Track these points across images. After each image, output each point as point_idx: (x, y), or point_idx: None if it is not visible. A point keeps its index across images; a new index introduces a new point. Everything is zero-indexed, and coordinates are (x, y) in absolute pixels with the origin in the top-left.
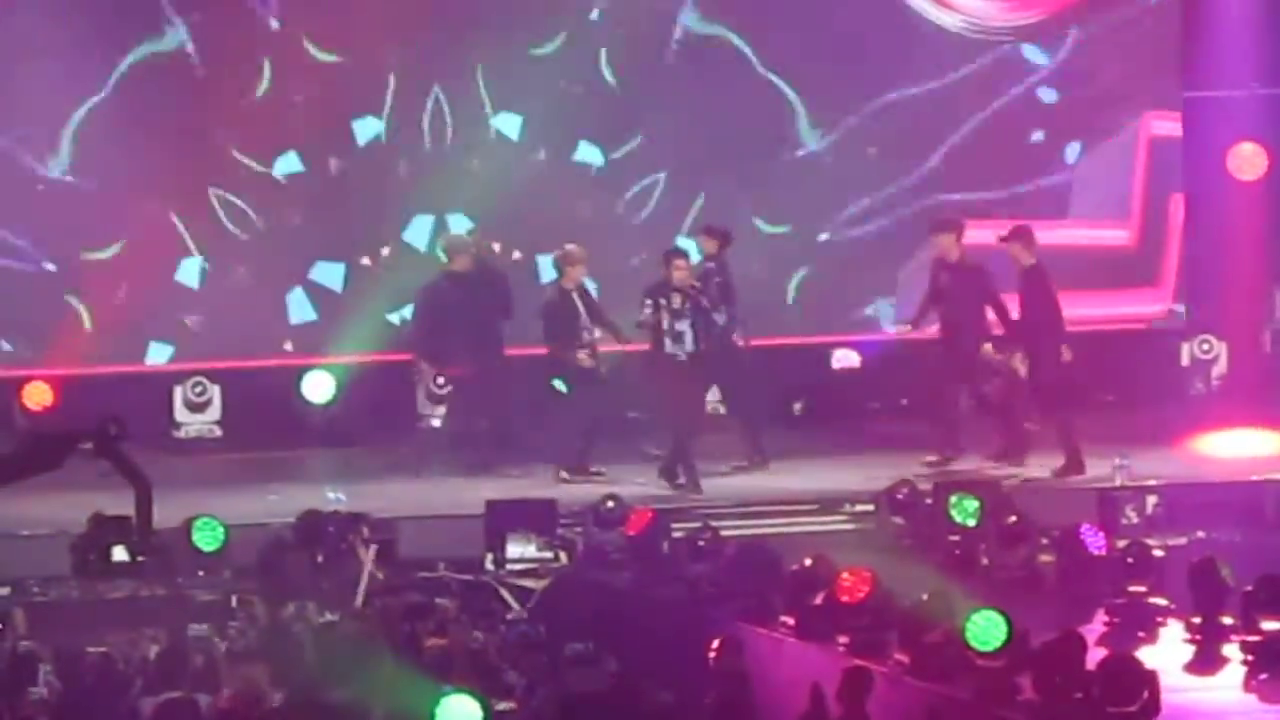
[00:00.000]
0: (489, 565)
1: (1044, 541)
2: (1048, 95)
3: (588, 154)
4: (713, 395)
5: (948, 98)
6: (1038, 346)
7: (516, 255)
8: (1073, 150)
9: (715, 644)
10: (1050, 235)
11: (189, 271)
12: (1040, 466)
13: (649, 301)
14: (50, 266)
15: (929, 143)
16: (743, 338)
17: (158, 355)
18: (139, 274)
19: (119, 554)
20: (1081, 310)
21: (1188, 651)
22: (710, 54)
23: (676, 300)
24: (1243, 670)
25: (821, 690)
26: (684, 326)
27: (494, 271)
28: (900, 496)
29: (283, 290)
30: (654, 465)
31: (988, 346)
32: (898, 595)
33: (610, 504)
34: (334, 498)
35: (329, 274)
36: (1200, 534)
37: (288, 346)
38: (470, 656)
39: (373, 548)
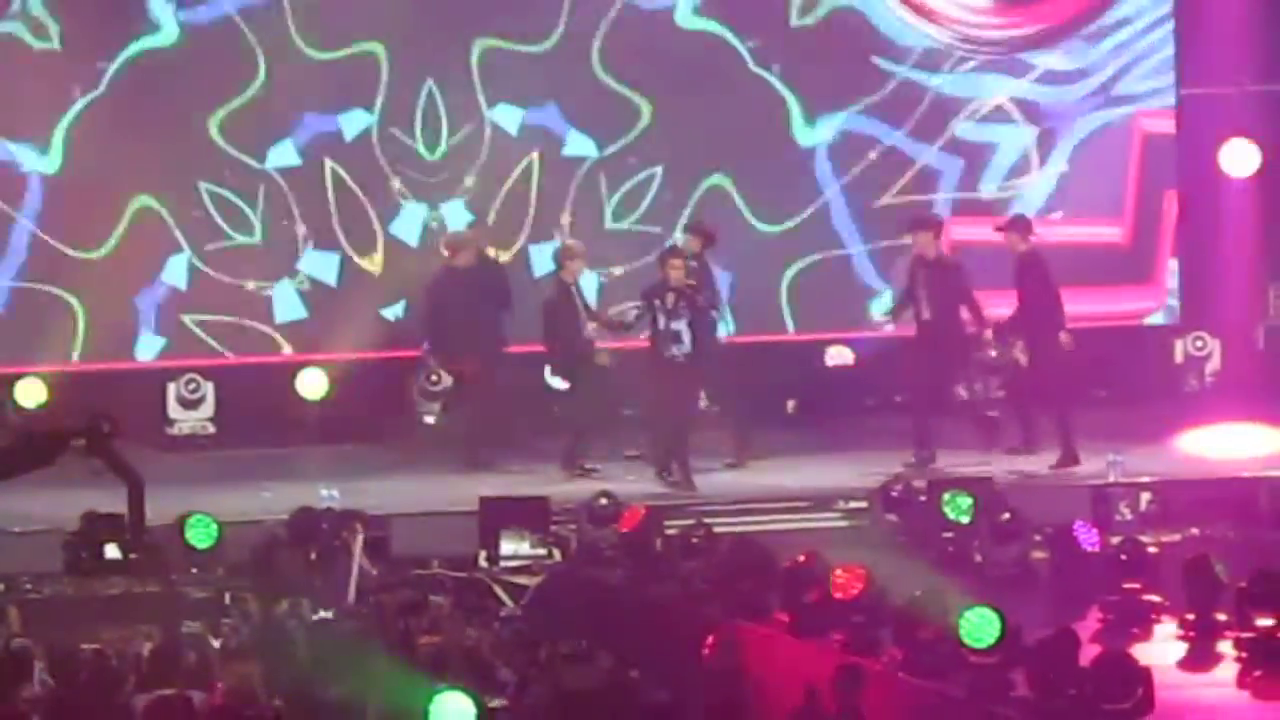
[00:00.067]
0: (483, 562)
1: (1037, 538)
2: (1041, 92)
3: (582, 147)
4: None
5: (941, 94)
6: (1038, 334)
7: (503, 257)
8: (1066, 147)
9: (709, 641)
10: (1043, 232)
11: (180, 266)
12: (1036, 462)
13: (639, 304)
14: (43, 263)
15: (923, 140)
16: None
17: (148, 348)
18: (131, 270)
19: (111, 551)
20: (1075, 307)
21: (1182, 648)
22: (707, 51)
23: (670, 300)
24: (1237, 667)
25: (815, 687)
26: (680, 327)
27: (493, 264)
28: (894, 493)
29: (274, 285)
30: (641, 463)
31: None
32: (891, 592)
33: (604, 501)
34: (327, 495)
35: (322, 269)
36: (1194, 531)
37: (283, 346)
38: (464, 653)
39: (359, 536)
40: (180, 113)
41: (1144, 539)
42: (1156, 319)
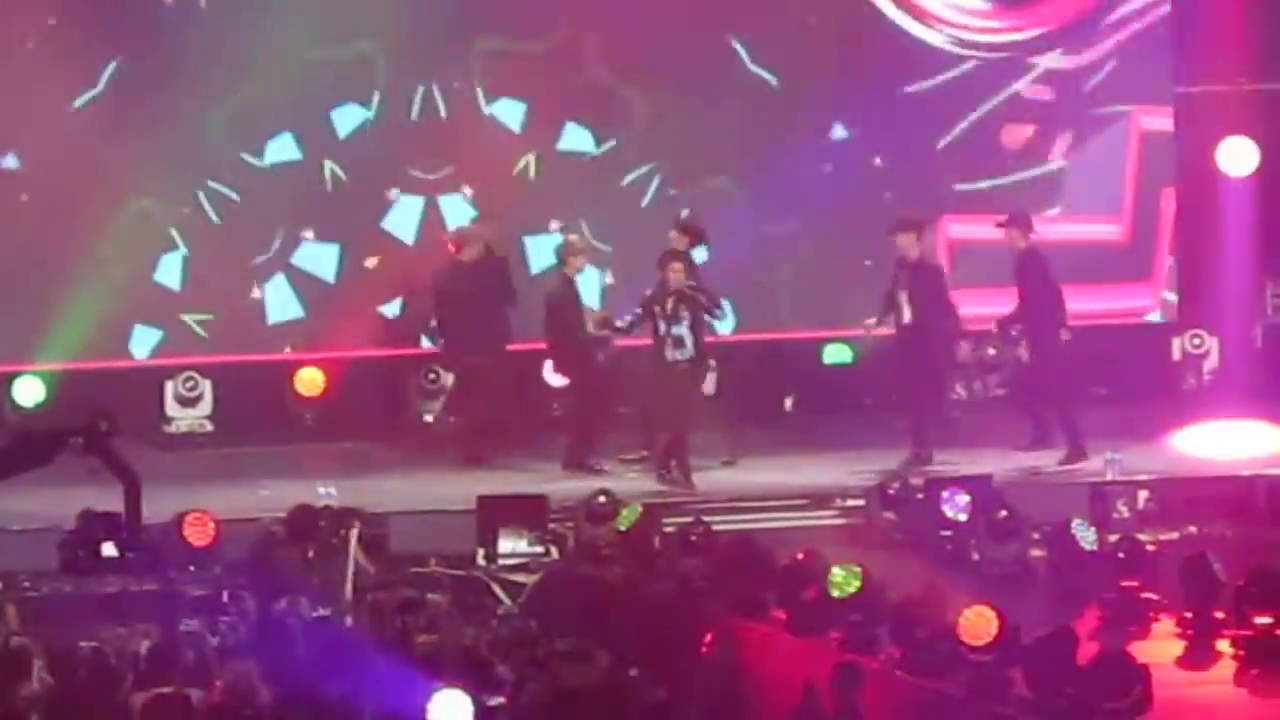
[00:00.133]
0: (480, 560)
1: (1035, 536)
2: (1039, 90)
3: (579, 141)
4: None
5: (940, 95)
6: (1039, 331)
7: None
8: (1064, 145)
9: (707, 639)
10: (1042, 230)
11: (175, 264)
12: (1044, 458)
13: (636, 311)
14: (39, 261)
15: (922, 139)
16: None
17: (143, 341)
18: (126, 267)
19: (108, 550)
20: (1073, 305)
21: (1179, 646)
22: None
23: (670, 305)
24: (1234, 665)
25: (813, 685)
26: (681, 330)
27: (498, 259)
28: (891, 491)
29: (269, 282)
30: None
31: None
32: (889, 590)
33: (602, 499)
34: (325, 492)
35: (320, 266)
36: (1192, 529)
37: (280, 344)
38: (462, 651)
39: (355, 530)
40: (177, 110)
41: (1142, 537)
42: (1154, 317)
